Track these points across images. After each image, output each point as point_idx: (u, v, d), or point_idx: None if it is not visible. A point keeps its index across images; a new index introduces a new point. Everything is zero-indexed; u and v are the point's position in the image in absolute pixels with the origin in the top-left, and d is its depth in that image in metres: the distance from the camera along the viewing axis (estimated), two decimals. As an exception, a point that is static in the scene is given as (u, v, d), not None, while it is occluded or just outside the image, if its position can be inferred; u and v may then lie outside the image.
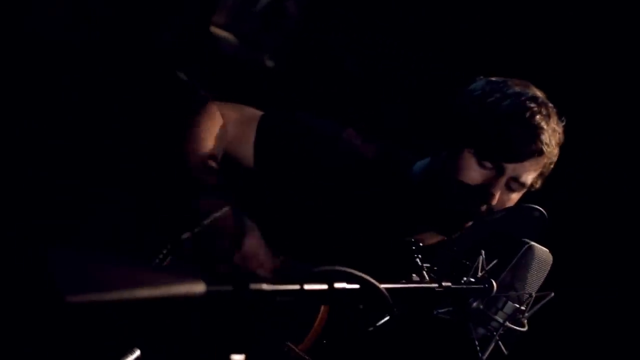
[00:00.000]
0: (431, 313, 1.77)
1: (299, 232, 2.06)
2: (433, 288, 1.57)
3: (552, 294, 1.81)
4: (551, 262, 1.80)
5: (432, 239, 2.13)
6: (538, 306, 1.81)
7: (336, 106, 3.45)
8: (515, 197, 2.08)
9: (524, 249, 1.77)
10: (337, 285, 1.31)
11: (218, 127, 2.00)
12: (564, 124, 2.10)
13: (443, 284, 1.59)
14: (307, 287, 1.25)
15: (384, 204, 2.11)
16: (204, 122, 1.99)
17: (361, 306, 1.32)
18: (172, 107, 2.08)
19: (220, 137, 2.00)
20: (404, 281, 1.55)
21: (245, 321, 1.22)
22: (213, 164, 1.91)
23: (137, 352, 1.62)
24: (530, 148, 2.00)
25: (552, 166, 2.11)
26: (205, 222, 1.78)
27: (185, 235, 1.77)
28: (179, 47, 3.17)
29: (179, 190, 1.86)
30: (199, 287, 1.06)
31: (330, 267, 1.31)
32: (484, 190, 2.00)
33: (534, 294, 1.77)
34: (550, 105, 2.08)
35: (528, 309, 1.79)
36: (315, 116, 2.23)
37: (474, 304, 1.75)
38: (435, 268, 1.61)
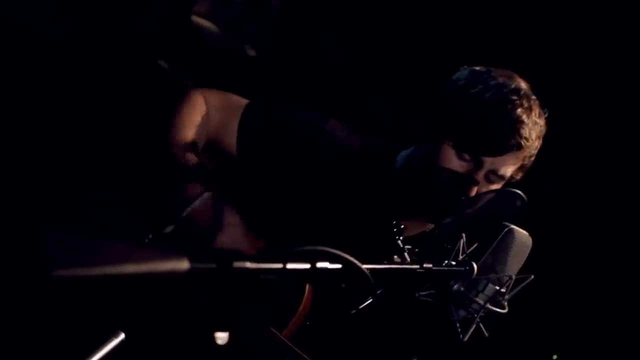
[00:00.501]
0: (413, 296, 1.79)
1: (283, 219, 2.07)
2: (414, 269, 1.59)
3: (532, 277, 1.83)
4: (531, 245, 1.83)
5: (416, 229, 2.15)
6: (518, 288, 1.83)
7: (319, 95, 3.46)
8: (494, 186, 2.09)
9: (504, 232, 1.80)
10: (320, 264, 1.32)
11: (200, 115, 2.01)
12: (546, 115, 2.11)
13: (424, 265, 1.61)
14: (290, 266, 1.26)
15: (367, 192, 2.12)
16: (186, 110, 1.99)
17: (343, 285, 1.34)
18: (154, 97, 2.09)
19: (203, 125, 2.00)
20: (385, 262, 1.57)
21: (230, 299, 1.24)
22: (194, 150, 1.92)
23: (122, 336, 1.63)
24: (509, 142, 2.01)
25: (532, 159, 2.12)
26: (185, 212, 1.79)
27: (169, 229, 1.78)
28: (161, 36, 3.17)
29: (161, 178, 1.87)
30: (182, 264, 1.07)
31: (312, 247, 1.33)
32: (462, 182, 2.01)
33: (514, 277, 1.79)
34: (533, 97, 2.08)
35: (508, 291, 1.81)
36: (298, 106, 2.24)
37: (455, 286, 1.76)
38: (417, 250, 1.63)
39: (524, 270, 1.84)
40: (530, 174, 2.17)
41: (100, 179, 2.30)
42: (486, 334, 1.83)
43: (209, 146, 2.04)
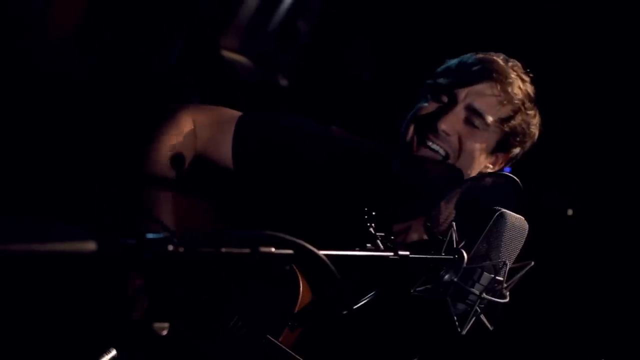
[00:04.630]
0: (408, 292, 1.72)
1: (282, 223, 2.04)
2: (388, 257, 1.52)
3: (532, 263, 1.74)
4: (527, 229, 1.73)
5: (417, 232, 2.07)
6: (519, 276, 1.74)
7: (352, 118, 3.44)
8: (479, 136, 1.99)
9: (495, 216, 1.71)
10: (263, 249, 1.28)
11: (184, 133, 2.02)
12: (531, 75, 2.06)
13: (399, 253, 1.54)
14: (225, 250, 1.23)
15: (365, 193, 2.07)
16: (169, 128, 2.02)
17: (287, 267, 1.29)
18: (142, 118, 2.13)
19: (186, 142, 2.02)
20: (357, 249, 1.51)
21: (166, 288, 1.21)
22: (174, 164, 1.94)
23: (113, 352, 1.63)
24: (481, 71, 1.96)
25: (523, 119, 2.02)
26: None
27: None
28: (184, 67, 3.23)
29: (136, 183, 1.91)
30: (89, 246, 1.05)
31: (256, 230, 1.29)
32: (433, 117, 1.96)
33: (508, 262, 1.69)
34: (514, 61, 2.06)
35: (506, 279, 1.72)
36: (296, 115, 2.24)
37: (446, 277, 1.68)
38: (392, 237, 1.57)
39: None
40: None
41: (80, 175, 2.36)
42: (490, 327, 1.73)
43: (199, 161, 2.05)
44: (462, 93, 1.96)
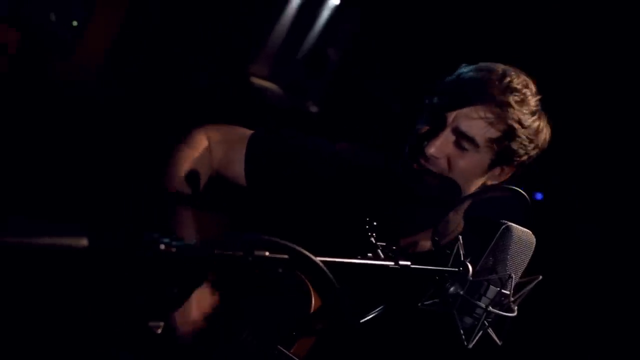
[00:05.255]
0: (416, 305, 1.72)
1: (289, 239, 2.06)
2: (388, 266, 1.54)
3: (540, 277, 1.73)
4: (534, 242, 1.73)
5: (425, 242, 2.08)
6: (527, 290, 1.73)
7: (381, 143, 3.46)
8: (470, 158, 1.96)
9: (501, 230, 1.72)
10: (257, 252, 1.30)
11: (200, 151, 2.08)
12: (538, 96, 2.02)
13: (400, 262, 1.55)
14: (217, 251, 1.26)
15: (369, 203, 2.08)
16: (186, 147, 2.08)
17: (280, 270, 1.31)
18: (162, 139, 2.19)
19: (203, 159, 2.07)
20: (359, 257, 1.52)
21: (158, 286, 1.25)
22: (190, 182, 2.00)
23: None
24: (471, 92, 1.93)
25: (520, 134, 1.97)
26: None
27: None
28: (215, 91, 3.30)
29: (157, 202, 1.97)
30: (80, 242, 1.09)
31: (252, 234, 1.32)
32: (422, 138, 1.96)
33: (514, 276, 1.69)
34: (513, 73, 2.00)
35: (513, 293, 1.71)
36: (302, 133, 2.28)
37: (451, 289, 1.69)
38: (394, 248, 1.58)
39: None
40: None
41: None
42: (498, 341, 1.73)
43: (215, 178, 2.10)
44: (451, 116, 1.94)
